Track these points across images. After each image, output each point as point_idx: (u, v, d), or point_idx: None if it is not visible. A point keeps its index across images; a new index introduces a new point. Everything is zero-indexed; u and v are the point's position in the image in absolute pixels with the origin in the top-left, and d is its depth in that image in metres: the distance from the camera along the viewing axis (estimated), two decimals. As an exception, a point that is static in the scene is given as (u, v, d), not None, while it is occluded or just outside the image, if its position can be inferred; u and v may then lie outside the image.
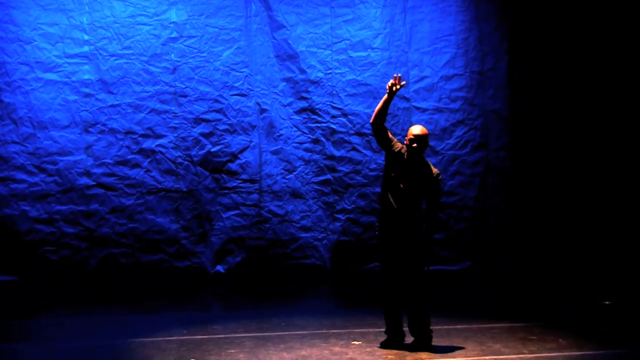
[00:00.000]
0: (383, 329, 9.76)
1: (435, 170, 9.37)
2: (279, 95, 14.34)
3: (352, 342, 9.43)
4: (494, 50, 14.94)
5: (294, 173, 14.29)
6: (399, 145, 9.39)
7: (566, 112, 14.66)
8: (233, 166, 14.11)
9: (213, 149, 14.05)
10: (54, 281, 13.21)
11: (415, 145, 9.20)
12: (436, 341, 9.33)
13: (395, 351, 8.98)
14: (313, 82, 14.43)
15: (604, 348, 9.27)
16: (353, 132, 14.49)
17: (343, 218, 14.28)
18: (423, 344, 8.99)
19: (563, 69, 14.72)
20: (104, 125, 13.75)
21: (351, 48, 14.57)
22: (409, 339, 9.22)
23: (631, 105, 14.59)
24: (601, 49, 14.68)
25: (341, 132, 14.45)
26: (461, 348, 9.10)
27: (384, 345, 9.27)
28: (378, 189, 13.99)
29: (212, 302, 13.21)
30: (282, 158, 14.28)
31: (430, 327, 9.10)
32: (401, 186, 9.08)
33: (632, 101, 14.59)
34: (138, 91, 13.89)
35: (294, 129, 14.37)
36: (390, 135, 9.42)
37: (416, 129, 9.39)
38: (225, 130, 14.12)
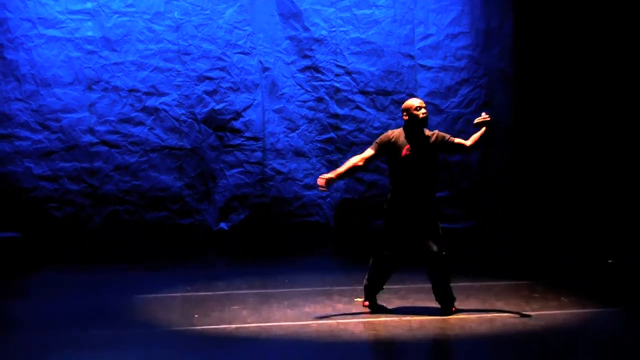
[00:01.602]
0: (385, 286, 9.81)
1: (431, 133, 9.01)
2: (282, 53, 14.29)
3: (355, 299, 9.45)
4: (500, 9, 14.83)
5: (297, 131, 14.27)
6: (387, 139, 8.92)
7: (573, 70, 14.56)
8: (236, 124, 14.09)
9: (217, 107, 14.03)
10: (57, 238, 13.25)
11: (424, 113, 8.84)
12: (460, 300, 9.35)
13: (397, 309, 9.00)
14: (317, 40, 14.37)
15: (607, 306, 9.28)
16: (357, 90, 14.45)
17: (346, 176, 14.25)
18: (445, 309, 8.88)
19: (570, 27, 14.60)
20: (107, 82, 13.74)
21: (355, 5, 14.49)
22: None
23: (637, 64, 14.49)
24: (608, 9, 14.56)
25: (345, 91, 14.42)
26: (464, 305, 9.12)
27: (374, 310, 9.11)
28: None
29: (216, 259, 13.24)
30: (285, 116, 14.26)
31: (452, 294, 8.96)
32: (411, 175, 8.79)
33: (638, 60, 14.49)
34: (141, 49, 13.86)
35: (298, 87, 14.34)
36: (373, 150, 8.95)
37: (417, 100, 9.01)
38: (229, 88, 14.09)
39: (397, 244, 8.81)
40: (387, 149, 8.85)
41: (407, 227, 8.76)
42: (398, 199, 8.81)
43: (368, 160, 8.97)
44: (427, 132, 8.93)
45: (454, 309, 8.84)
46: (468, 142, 9.05)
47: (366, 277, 9.14)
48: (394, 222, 8.81)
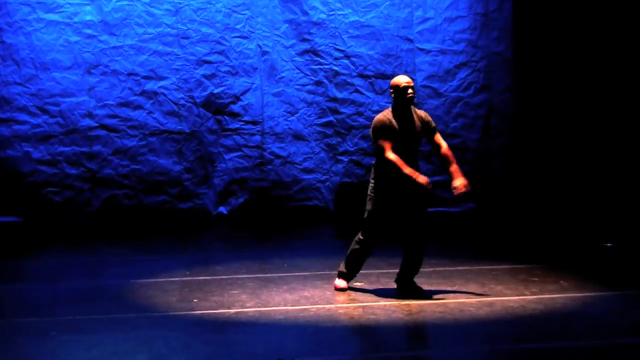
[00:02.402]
0: (384, 270, 9.83)
1: (420, 112, 8.84)
2: (281, 37, 14.29)
3: (354, 284, 9.45)
4: (498, -8, 14.82)
5: (296, 115, 14.28)
6: (382, 123, 8.62)
7: (572, 53, 14.54)
8: (235, 108, 14.10)
9: (215, 91, 14.03)
10: (57, 222, 13.27)
11: (410, 92, 8.69)
12: (437, 283, 9.37)
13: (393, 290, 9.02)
14: (315, 24, 14.37)
15: (606, 290, 9.29)
16: (356, 74, 14.45)
17: (345, 160, 14.30)
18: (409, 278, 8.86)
19: (568, 10, 14.57)
20: (106, 66, 13.74)
21: (354, -11, 14.48)
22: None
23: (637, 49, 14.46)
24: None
25: (344, 74, 14.42)
26: (463, 290, 9.13)
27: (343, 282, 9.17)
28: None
29: (215, 243, 13.25)
30: (284, 100, 14.26)
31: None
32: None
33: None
34: (140, 33, 13.86)
35: (296, 71, 14.34)
36: (385, 139, 8.61)
37: (405, 77, 8.82)
38: (228, 72, 14.09)
39: (380, 227, 8.80)
40: (383, 128, 8.66)
41: (395, 210, 8.71)
42: (385, 179, 8.73)
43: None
44: (416, 110, 8.75)
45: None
46: (443, 149, 8.82)
47: (344, 263, 9.18)
48: (381, 204, 8.76)
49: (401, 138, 8.59)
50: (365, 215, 8.86)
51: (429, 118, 8.79)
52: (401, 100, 8.58)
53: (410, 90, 8.54)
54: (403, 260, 8.86)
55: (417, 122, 8.68)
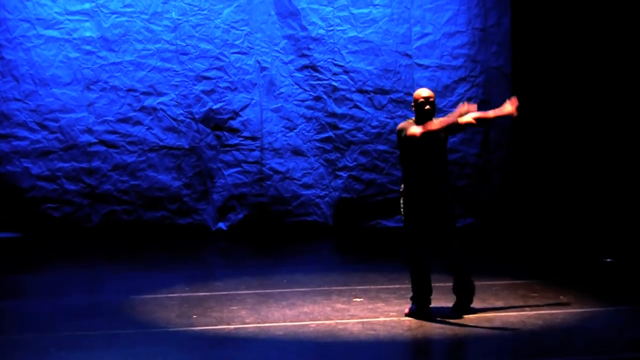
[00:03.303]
0: (384, 286, 9.80)
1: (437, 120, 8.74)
2: (279, 52, 14.32)
3: (354, 299, 9.44)
4: (496, 6, 14.85)
5: (295, 130, 14.29)
6: (405, 127, 8.45)
7: (570, 68, 14.55)
8: (234, 123, 14.12)
9: (214, 107, 14.06)
10: (56, 238, 13.26)
11: (428, 107, 8.61)
12: (437, 298, 9.34)
13: (395, 308, 9.00)
14: (314, 39, 14.39)
15: (605, 305, 9.28)
16: (355, 89, 14.47)
17: (345, 175, 14.30)
18: (465, 303, 8.71)
19: (567, 24, 14.60)
20: (105, 82, 13.77)
21: (353, 4, 14.51)
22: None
23: (636, 61, 14.47)
24: (606, 6, 14.54)
25: (343, 90, 14.44)
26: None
27: (417, 314, 8.81)
28: (380, 146, 14.06)
29: (214, 259, 13.25)
30: (283, 116, 14.28)
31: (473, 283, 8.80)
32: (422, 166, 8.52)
33: (636, 57, 14.47)
34: (139, 49, 13.88)
35: (296, 86, 14.36)
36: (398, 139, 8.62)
37: (425, 92, 8.75)
38: (227, 88, 14.12)
39: (421, 239, 8.58)
40: (404, 138, 8.52)
41: (427, 222, 8.56)
42: (415, 189, 8.54)
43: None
44: (434, 120, 8.62)
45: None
46: (474, 121, 8.84)
47: (412, 287, 8.72)
48: (412, 218, 8.57)
49: (423, 147, 8.49)
50: (404, 231, 8.67)
51: (447, 118, 8.60)
52: (420, 114, 8.52)
53: (427, 106, 8.48)
54: (453, 287, 8.75)
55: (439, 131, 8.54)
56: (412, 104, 8.67)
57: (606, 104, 14.44)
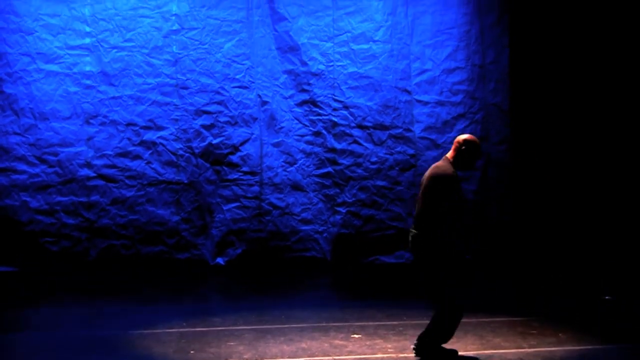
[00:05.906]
0: (382, 322, 9.79)
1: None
2: (280, 87, 14.35)
3: (352, 335, 9.42)
4: (495, 43, 14.92)
5: (295, 165, 14.30)
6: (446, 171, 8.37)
7: (567, 106, 14.63)
8: (234, 158, 14.12)
9: (214, 141, 14.06)
10: (54, 272, 13.24)
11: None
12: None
13: (393, 345, 8.98)
14: (314, 75, 14.43)
15: (604, 343, 9.26)
16: (354, 124, 14.49)
17: (344, 211, 14.29)
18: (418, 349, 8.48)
19: (564, 62, 14.69)
20: (105, 117, 13.78)
21: (353, 40, 14.56)
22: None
23: (632, 100, 14.53)
24: (602, 43, 14.62)
25: (342, 125, 14.46)
26: (462, 342, 9.09)
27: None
28: (379, 182, 14.05)
29: (212, 294, 13.21)
30: (283, 150, 14.29)
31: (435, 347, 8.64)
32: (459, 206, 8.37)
33: (634, 96, 14.53)
34: (139, 83, 13.91)
35: (295, 121, 14.38)
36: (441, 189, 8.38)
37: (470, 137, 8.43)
38: (227, 122, 14.13)
39: (460, 284, 8.38)
40: (451, 180, 8.40)
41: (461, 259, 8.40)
42: (454, 231, 8.32)
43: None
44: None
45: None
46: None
47: (446, 329, 8.43)
48: (457, 256, 8.34)
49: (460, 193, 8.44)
50: (442, 273, 8.42)
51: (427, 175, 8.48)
52: (470, 160, 8.51)
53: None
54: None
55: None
56: (463, 146, 8.40)
57: (605, 142, 14.47)
